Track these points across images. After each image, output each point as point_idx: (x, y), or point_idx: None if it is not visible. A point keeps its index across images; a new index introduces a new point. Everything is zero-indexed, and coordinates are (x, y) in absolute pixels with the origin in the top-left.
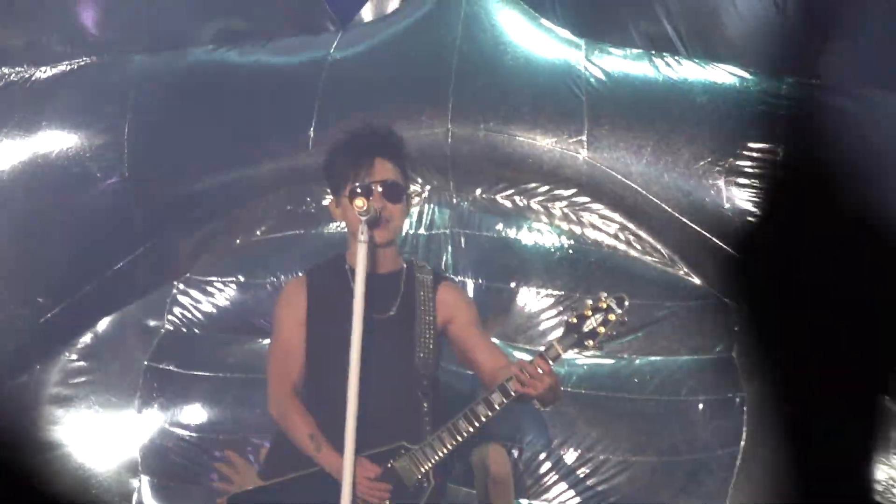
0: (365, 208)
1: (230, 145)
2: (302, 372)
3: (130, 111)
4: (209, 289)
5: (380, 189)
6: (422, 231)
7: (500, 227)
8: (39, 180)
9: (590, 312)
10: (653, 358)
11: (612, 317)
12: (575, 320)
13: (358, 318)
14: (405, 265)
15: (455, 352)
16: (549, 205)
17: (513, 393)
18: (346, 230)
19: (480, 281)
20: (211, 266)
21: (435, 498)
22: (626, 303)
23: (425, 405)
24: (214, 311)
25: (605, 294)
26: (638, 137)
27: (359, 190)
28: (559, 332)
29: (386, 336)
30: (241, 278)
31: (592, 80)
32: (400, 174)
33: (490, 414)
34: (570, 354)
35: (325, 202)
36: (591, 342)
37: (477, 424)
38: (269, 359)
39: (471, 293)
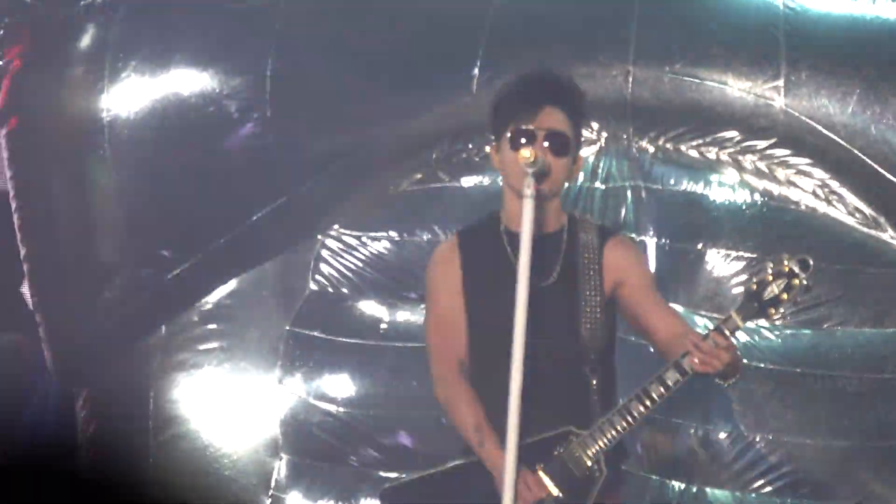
0: (532, 159)
1: (385, 92)
2: (466, 347)
3: (275, 45)
4: (359, 245)
5: (545, 140)
6: (598, 185)
7: (685, 181)
8: (170, 121)
9: (771, 278)
10: (854, 330)
11: (795, 282)
12: (755, 287)
13: (523, 286)
14: (566, 222)
15: (627, 319)
16: (741, 157)
17: (689, 370)
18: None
19: (663, 241)
20: (361, 219)
21: (610, 487)
22: (811, 265)
23: (594, 383)
24: (365, 270)
25: (788, 256)
26: (842, 84)
27: (523, 139)
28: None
29: (548, 306)
30: (395, 234)
31: (791, 17)
32: (571, 127)
33: (665, 393)
34: (754, 324)
35: (488, 149)
36: (773, 311)
37: (650, 405)
38: (428, 332)
39: (651, 254)
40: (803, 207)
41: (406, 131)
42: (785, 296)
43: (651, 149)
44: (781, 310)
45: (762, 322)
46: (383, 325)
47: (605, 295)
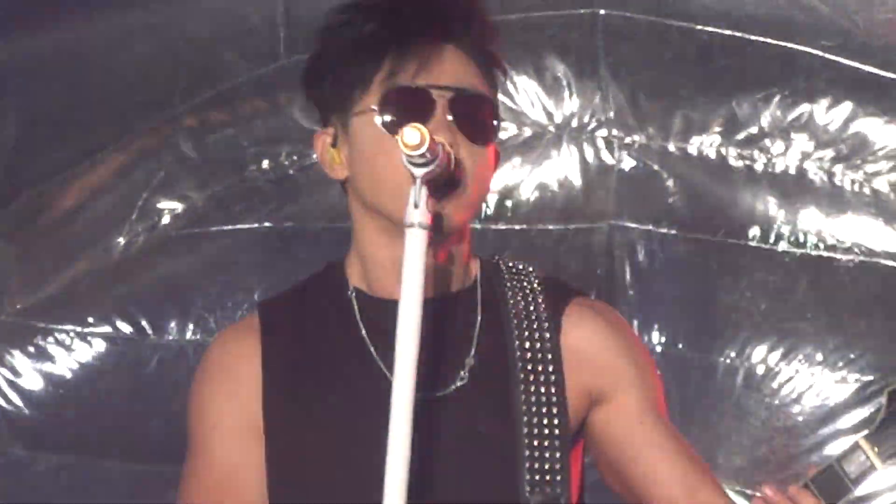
0: (420, 143)
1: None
2: None
3: None
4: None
5: (450, 111)
6: (550, 225)
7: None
8: None
9: None
10: None
11: None
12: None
13: (403, 403)
14: (479, 273)
15: (603, 471)
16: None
17: None
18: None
19: (680, 347)
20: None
21: None
22: None
23: None
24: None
25: None
26: None
27: (407, 110)
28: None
29: (451, 438)
30: (106, 328)
31: None
32: (488, 86)
33: None
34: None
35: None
36: None
37: None
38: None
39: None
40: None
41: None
42: None
43: (673, 149)
44: None
45: None
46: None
47: (570, 419)
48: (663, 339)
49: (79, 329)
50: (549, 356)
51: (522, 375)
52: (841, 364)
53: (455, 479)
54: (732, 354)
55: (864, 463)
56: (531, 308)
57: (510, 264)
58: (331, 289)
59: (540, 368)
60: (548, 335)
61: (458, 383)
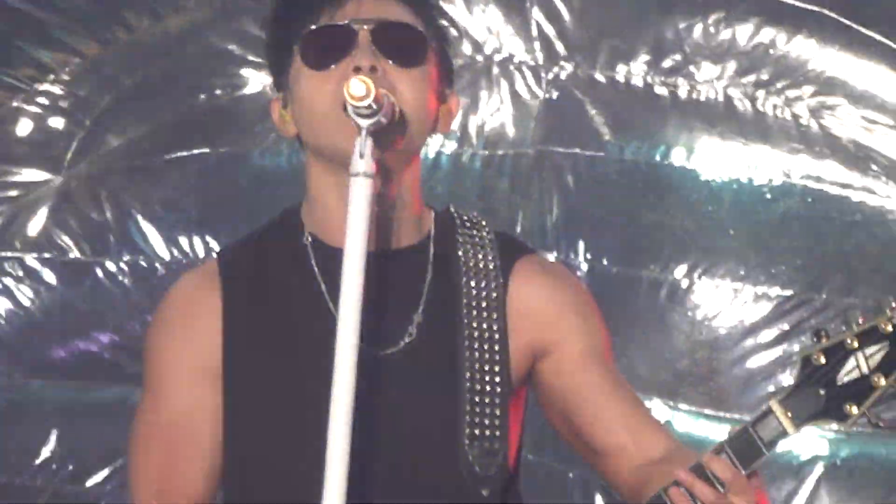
0: (365, 95)
1: None
2: (210, 477)
3: None
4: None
5: (373, 41)
6: (475, 149)
7: (649, 147)
8: None
9: (854, 342)
10: None
11: None
12: (821, 359)
13: (346, 358)
14: (433, 226)
15: (554, 422)
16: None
17: None
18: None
19: (604, 263)
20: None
21: None
22: None
23: None
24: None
25: (894, 301)
26: None
27: (331, 48)
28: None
29: (399, 395)
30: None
31: None
32: (421, 23)
33: None
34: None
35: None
36: (854, 408)
37: None
38: (135, 446)
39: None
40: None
41: None
42: (882, 380)
43: (601, 78)
44: (871, 405)
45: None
46: None
47: (513, 375)
48: (589, 257)
49: (26, 255)
50: (495, 315)
51: (468, 332)
52: (762, 279)
53: (400, 433)
54: (657, 270)
55: (776, 427)
56: (481, 265)
57: (465, 217)
58: (287, 235)
59: (485, 326)
60: (495, 294)
61: (407, 339)
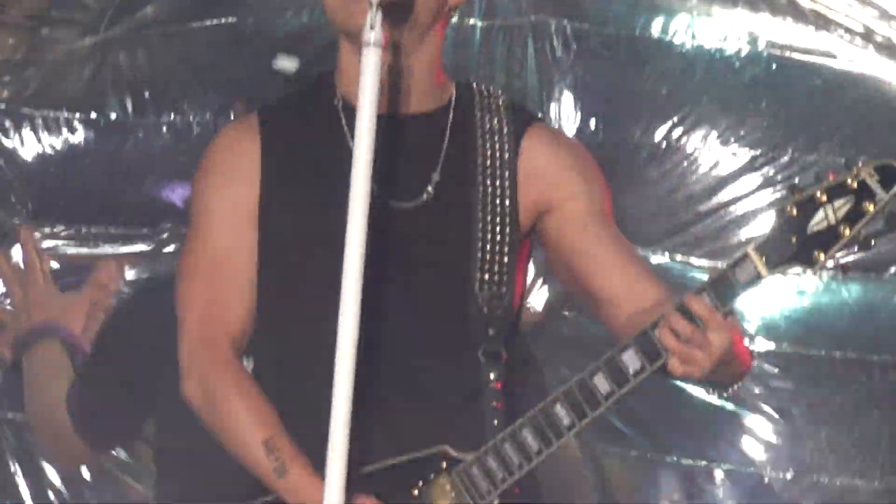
0: None
1: None
2: (250, 311)
3: None
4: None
5: None
6: (473, 20)
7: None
8: None
9: (824, 196)
10: None
11: (868, 206)
12: (793, 211)
13: (358, 209)
14: (454, 95)
15: (558, 274)
16: None
17: (660, 355)
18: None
19: (597, 126)
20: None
21: None
22: None
23: (492, 377)
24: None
25: (861, 162)
26: None
27: None
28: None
29: (417, 245)
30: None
31: None
32: None
33: (617, 391)
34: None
35: None
36: (821, 255)
37: (587, 412)
38: (184, 280)
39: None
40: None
41: None
42: (847, 229)
43: None
44: (837, 252)
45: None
46: None
47: (520, 228)
48: (578, 121)
49: (62, 115)
50: (507, 175)
51: (482, 190)
52: (732, 140)
53: (418, 277)
54: (638, 133)
55: (752, 271)
56: (495, 130)
57: (482, 87)
58: (321, 98)
59: (497, 185)
60: (507, 156)
61: (425, 195)
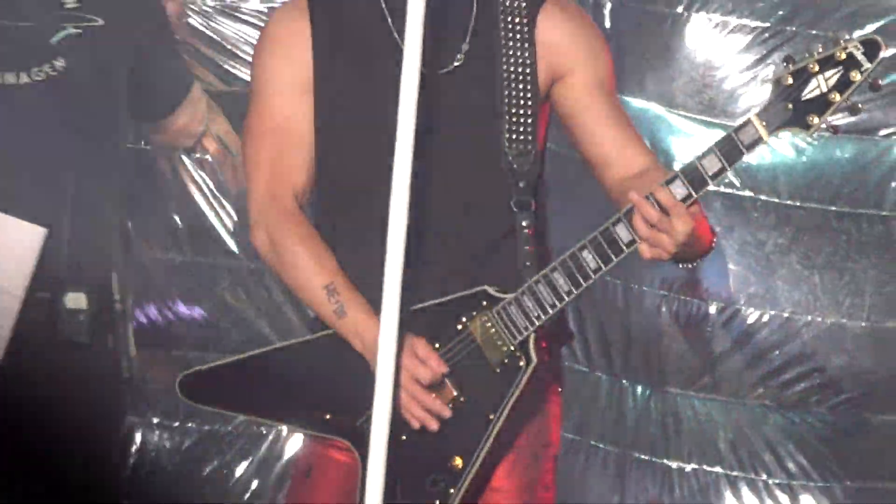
0: None
1: None
2: (309, 169)
3: None
4: None
5: None
6: None
7: None
8: None
9: (816, 67)
10: None
11: (855, 75)
12: (789, 81)
13: (411, 75)
14: None
15: (568, 136)
16: None
17: (631, 238)
18: None
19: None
20: None
21: (539, 384)
22: (883, 52)
23: (524, 224)
24: None
25: (848, 36)
26: None
27: None
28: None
29: (452, 106)
30: None
31: None
32: None
33: (637, 240)
34: (783, 141)
35: None
36: (815, 119)
37: (613, 259)
38: (249, 142)
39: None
40: None
41: None
42: (836, 96)
43: None
44: (829, 118)
45: (794, 134)
46: None
47: (540, 92)
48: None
49: None
50: (526, 44)
51: (505, 57)
52: (745, 12)
53: (454, 135)
54: (662, 5)
55: (754, 134)
56: (515, 5)
57: None
58: None
59: (518, 53)
60: (526, 28)
61: (456, 63)
